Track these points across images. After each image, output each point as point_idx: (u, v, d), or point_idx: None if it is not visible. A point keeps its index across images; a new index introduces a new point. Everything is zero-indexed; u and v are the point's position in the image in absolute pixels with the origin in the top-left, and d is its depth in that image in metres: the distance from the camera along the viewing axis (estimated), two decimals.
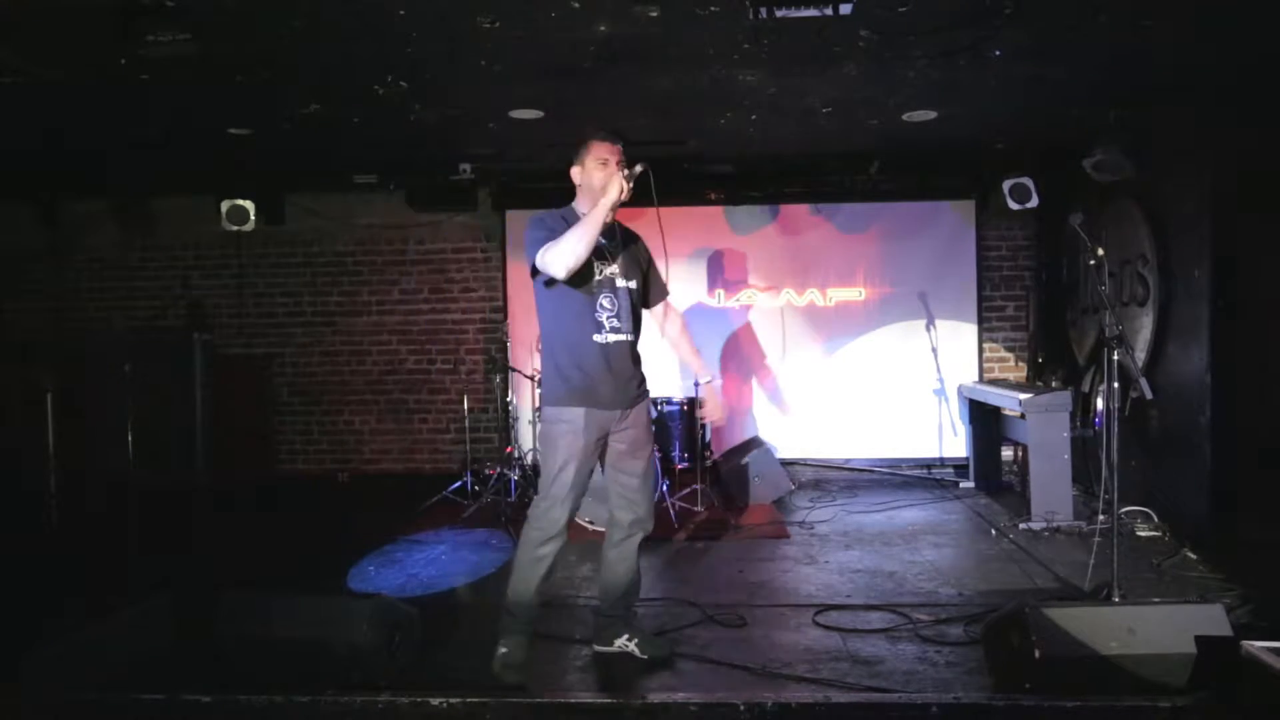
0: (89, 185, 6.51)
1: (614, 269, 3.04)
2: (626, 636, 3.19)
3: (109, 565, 4.43)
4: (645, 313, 3.24)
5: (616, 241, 3.07)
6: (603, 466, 3.15)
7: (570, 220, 2.98)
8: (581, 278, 2.94)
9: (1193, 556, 4.22)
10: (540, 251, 2.89)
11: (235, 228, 6.09)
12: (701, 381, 3.38)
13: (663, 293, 3.27)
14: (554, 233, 2.91)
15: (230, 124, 4.94)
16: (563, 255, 2.82)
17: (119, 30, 3.31)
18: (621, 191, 2.88)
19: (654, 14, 3.36)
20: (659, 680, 3.00)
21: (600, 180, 2.97)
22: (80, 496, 5.40)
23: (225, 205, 6.05)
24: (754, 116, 4.95)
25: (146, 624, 3.18)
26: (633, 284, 3.09)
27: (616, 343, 3.01)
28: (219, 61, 3.85)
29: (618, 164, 2.99)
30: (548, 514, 2.98)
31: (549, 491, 2.98)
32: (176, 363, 6.15)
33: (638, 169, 2.92)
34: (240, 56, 3.83)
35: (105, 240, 6.94)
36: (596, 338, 2.98)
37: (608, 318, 2.99)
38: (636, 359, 3.12)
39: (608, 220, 2.91)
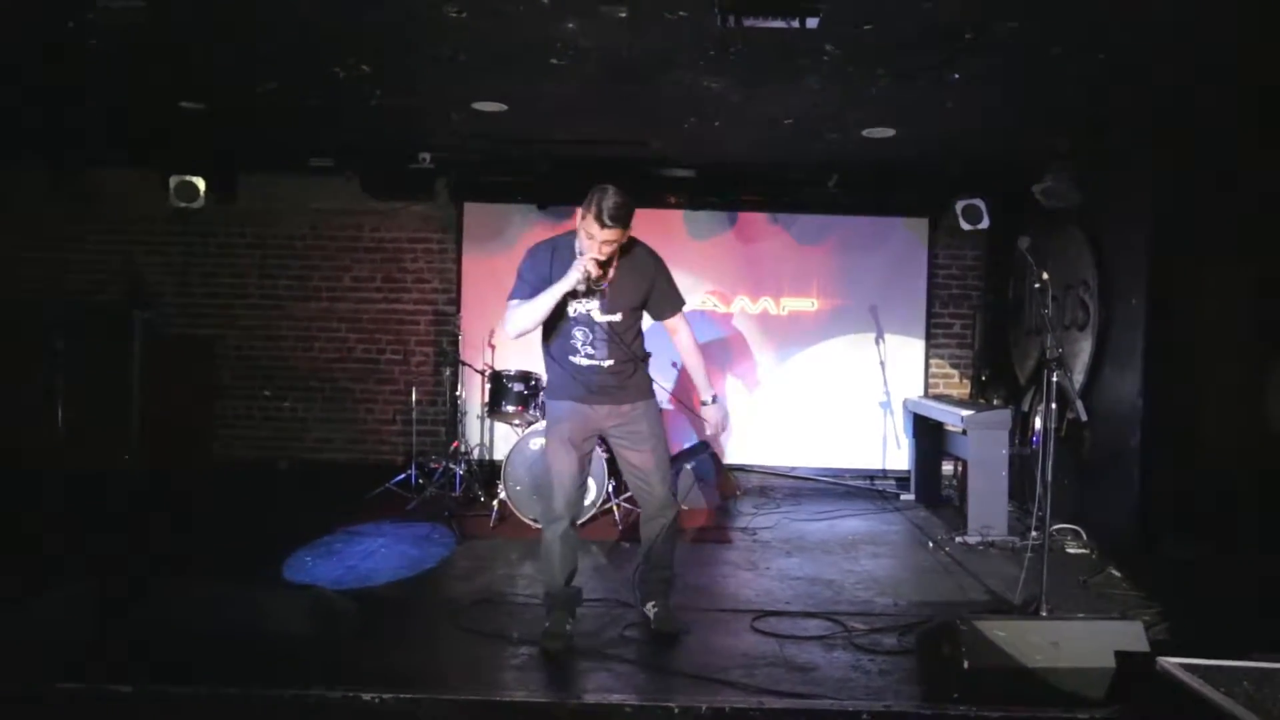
0: (29, 152, 6.26)
1: (591, 305, 3.20)
2: (652, 604, 3.48)
3: (33, 551, 4.26)
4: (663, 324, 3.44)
5: (603, 284, 3.17)
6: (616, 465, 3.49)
7: (560, 251, 3.19)
8: (556, 316, 3.20)
9: (1117, 574, 4.36)
10: (510, 305, 3.21)
11: (183, 204, 5.91)
12: (705, 399, 3.49)
13: (672, 309, 3.41)
14: (534, 286, 3.16)
15: (183, 98, 4.81)
16: (513, 324, 3.18)
17: None
18: (581, 280, 3.04)
19: (622, 15, 3.37)
20: (595, 681, 3.00)
21: (579, 248, 3.10)
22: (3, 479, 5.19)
23: (174, 181, 5.86)
24: (717, 123, 4.98)
25: (69, 612, 3.08)
26: (616, 317, 3.23)
27: (590, 366, 3.25)
28: (173, 32, 3.75)
29: (602, 244, 3.02)
30: (548, 501, 3.33)
31: (547, 480, 3.34)
32: (113, 341, 5.94)
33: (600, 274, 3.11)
34: (195, 28, 3.73)
35: (41, 210, 6.67)
36: (574, 359, 3.26)
37: (582, 345, 3.24)
38: (621, 374, 3.27)
39: (601, 258, 3.05)
